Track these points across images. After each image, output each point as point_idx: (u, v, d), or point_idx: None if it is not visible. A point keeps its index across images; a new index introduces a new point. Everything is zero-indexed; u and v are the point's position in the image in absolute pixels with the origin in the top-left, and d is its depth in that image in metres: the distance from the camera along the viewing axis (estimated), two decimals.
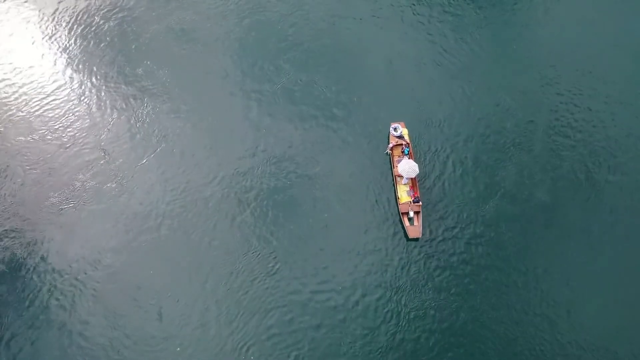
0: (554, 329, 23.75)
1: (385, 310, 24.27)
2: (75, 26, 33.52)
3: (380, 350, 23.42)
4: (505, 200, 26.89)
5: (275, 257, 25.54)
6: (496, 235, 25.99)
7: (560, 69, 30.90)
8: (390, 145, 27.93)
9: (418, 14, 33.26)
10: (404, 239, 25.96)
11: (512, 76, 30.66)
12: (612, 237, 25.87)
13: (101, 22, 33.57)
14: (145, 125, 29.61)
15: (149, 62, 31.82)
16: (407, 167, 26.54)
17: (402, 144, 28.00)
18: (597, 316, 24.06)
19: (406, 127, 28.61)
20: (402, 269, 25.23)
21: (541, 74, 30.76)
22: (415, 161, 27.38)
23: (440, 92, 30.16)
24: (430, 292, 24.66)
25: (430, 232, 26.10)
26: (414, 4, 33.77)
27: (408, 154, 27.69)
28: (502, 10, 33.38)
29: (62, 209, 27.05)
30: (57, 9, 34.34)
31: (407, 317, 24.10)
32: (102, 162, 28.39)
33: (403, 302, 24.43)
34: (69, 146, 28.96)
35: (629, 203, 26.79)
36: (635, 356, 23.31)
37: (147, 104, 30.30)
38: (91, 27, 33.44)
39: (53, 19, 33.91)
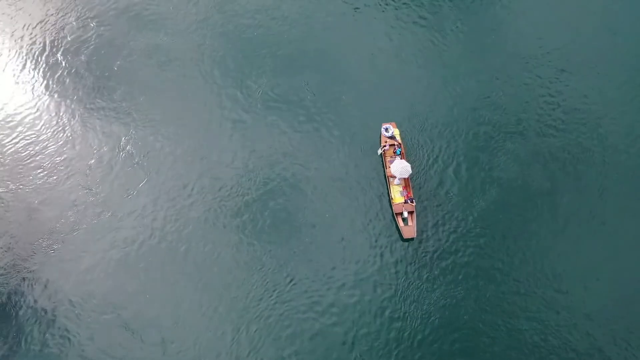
0: (556, 321, 23.79)
1: (386, 312, 24.17)
2: (44, 58, 32.11)
3: (381, 351, 23.35)
4: (502, 193, 26.82)
5: (275, 270, 25.20)
6: (494, 230, 25.91)
7: (545, 55, 30.97)
8: (385, 147, 27.83)
9: (398, 13, 33.10)
10: (399, 240, 25.86)
11: (500, 67, 30.67)
12: (614, 218, 26.02)
13: (71, 51, 32.22)
14: (129, 154, 28.63)
15: (125, 88, 30.74)
16: (399, 168, 26.48)
17: (394, 145, 27.94)
18: (600, 302, 24.17)
19: (397, 127, 28.54)
20: (399, 270, 25.11)
21: (527, 61, 30.77)
22: (407, 161, 27.32)
23: (429, 90, 30.10)
24: (428, 292, 24.57)
25: (425, 231, 26.02)
26: (393, 3, 33.65)
27: (400, 154, 27.62)
28: (480, 3, 33.45)
29: (50, 250, 26.17)
30: (21, 40, 32.89)
31: (407, 318, 24.03)
32: (87, 198, 27.36)
33: (402, 304, 24.35)
34: (52, 186, 27.87)
35: (627, 181, 26.97)
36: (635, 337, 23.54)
37: (129, 131, 29.30)
38: (61, 58, 32.04)
39: (18, 53, 32.52)
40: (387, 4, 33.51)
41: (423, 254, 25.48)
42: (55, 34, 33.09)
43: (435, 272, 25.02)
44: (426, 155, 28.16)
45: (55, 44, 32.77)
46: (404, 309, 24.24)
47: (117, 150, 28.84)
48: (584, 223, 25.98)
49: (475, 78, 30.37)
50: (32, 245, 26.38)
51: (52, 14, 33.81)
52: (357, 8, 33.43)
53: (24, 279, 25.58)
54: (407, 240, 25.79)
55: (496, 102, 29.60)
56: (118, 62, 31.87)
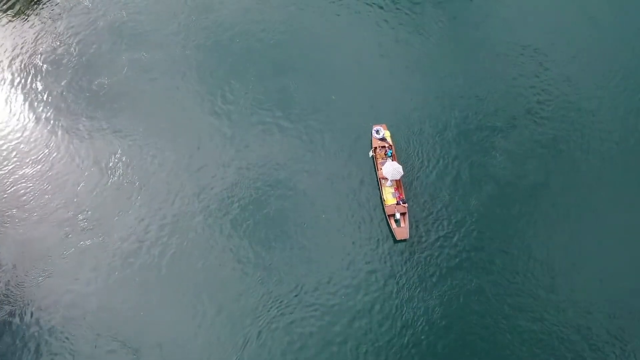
0: (552, 312, 24.01)
1: (383, 313, 24.25)
2: (24, 85, 31.40)
3: (379, 350, 23.45)
4: (495, 189, 26.99)
5: (272, 278, 25.16)
6: (488, 227, 26.04)
7: (529, 48, 31.32)
8: (377, 149, 27.86)
9: (384, 15, 33.15)
10: (392, 242, 25.91)
11: (487, 65, 30.87)
12: (607, 206, 26.42)
13: (52, 75, 31.59)
14: (117, 173, 28.15)
15: (110, 107, 30.26)
16: (391, 169, 26.52)
17: (384, 147, 27.99)
18: (596, 293, 24.41)
19: (388, 129, 28.59)
20: (393, 272, 25.14)
21: (512, 57, 31.07)
22: (399, 162, 27.38)
23: (418, 90, 30.19)
24: (423, 292, 24.64)
25: (418, 232, 26.08)
26: (374, 5, 33.61)
27: (391, 155, 27.69)
28: (458, 2, 33.73)
29: (40, 277, 25.66)
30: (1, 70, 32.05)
31: (404, 318, 24.12)
32: (77, 223, 26.79)
33: (398, 304, 24.42)
34: (40, 214, 27.20)
35: (618, 166, 27.49)
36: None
37: (116, 151, 28.82)
38: (42, 84, 31.33)
39: None
40: (371, 7, 33.54)
41: (417, 255, 25.53)
42: (36, 58, 32.38)
43: (430, 272, 25.07)
44: (418, 155, 28.22)
45: (37, 68, 32.01)
46: (400, 310, 24.29)
47: (105, 171, 28.31)
48: (578, 214, 26.23)
49: (463, 76, 30.51)
50: (23, 274, 25.84)
51: (31, 38, 33.03)
52: (339, 14, 33.35)
53: (13, 312, 25.01)
54: (400, 241, 25.84)
55: (485, 99, 29.73)
56: (102, 81, 31.29)
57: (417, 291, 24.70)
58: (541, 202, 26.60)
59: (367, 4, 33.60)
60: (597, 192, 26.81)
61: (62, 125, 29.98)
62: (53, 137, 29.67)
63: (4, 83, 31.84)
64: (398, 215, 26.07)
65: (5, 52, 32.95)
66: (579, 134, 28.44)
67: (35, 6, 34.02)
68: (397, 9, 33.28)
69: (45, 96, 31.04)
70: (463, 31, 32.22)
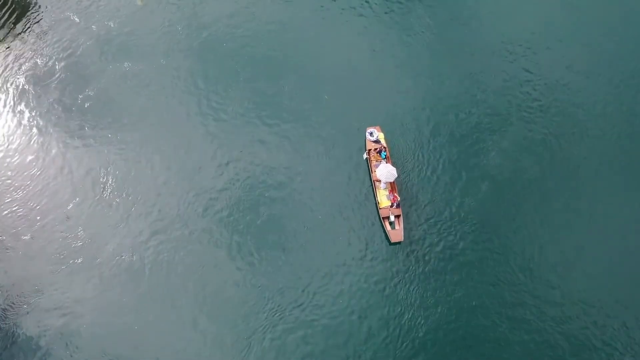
0: (548, 319, 23.96)
1: (378, 317, 24.36)
2: (12, 102, 31.01)
3: (373, 352, 23.64)
4: (491, 188, 26.92)
5: (267, 284, 25.25)
6: (483, 227, 25.99)
7: (518, 44, 31.14)
8: (371, 151, 27.75)
9: (374, 16, 32.83)
10: (387, 244, 25.86)
11: (478, 63, 30.66)
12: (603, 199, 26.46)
13: (39, 86, 31.21)
14: (109, 190, 27.93)
15: (99, 118, 29.98)
16: (385, 172, 26.43)
17: (378, 148, 27.87)
18: (594, 287, 24.50)
19: (382, 131, 28.47)
20: (388, 275, 25.22)
21: (501, 53, 30.88)
22: (393, 164, 27.27)
23: (412, 91, 30.01)
24: (419, 294, 24.73)
25: (413, 234, 26.07)
26: (366, 6, 33.27)
27: (385, 157, 27.58)
28: (450, 2, 33.42)
29: (37, 296, 25.65)
30: None
31: (401, 320, 24.26)
32: (70, 243, 26.63)
33: (394, 307, 24.53)
34: (33, 233, 27.06)
35: (611, 158, 27.43)
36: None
37: (107, 166, 28.55)
38: (29, 95, 31.00)
39: None
40: (363, 8, 33.29)
41: (412, 258, 25.60)
42: (22, 75, 31.85)
43: (425, 275, 25.17)
44: (412, 157, 28.15)
45: (23, 85, 31.48)
46: (396, 312, 24.41)
47: (96, 187, 28.12)
48: (575, 210, 26.17)
49: (456, 76, 30.29)
50: (16, 294, 25.83)
51: (17, 55, 32.54)
52: (331, 15, 33.06)
53: (5, 333, 24.97)
54: (395, 244, 25.77)
55: (478, 98, 29.55)
56: (89, 94, 30.82)
57: (413, 294, 24.84)
58: (537, 200, 26.54)
59: (359, 4, 33.34)
60: (594, 189, 26.71)
61: (50, 142, 29.65)
62: (42, 154, 29.35)
63: None
64: (392, 218, 26.02)
65: None
66: (574, 130, 28.25)
67: (22, 21, 33.77)
68: (389, 9, 33.00)
69: (34, 113, 30.60)
70: (455, 31, 31.90)
